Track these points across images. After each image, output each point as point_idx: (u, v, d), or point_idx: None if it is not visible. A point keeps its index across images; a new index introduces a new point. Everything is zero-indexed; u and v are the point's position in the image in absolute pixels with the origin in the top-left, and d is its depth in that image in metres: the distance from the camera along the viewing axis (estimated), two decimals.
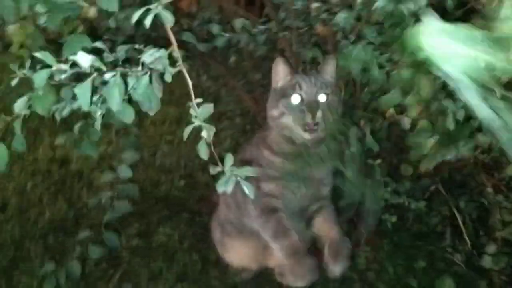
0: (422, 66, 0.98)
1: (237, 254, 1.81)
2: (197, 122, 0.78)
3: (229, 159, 0.79)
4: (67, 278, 1.50)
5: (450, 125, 1.07)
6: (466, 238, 1.86)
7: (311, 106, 1.38)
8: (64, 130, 3.60)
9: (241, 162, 1.61)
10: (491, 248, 1.65)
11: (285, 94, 1.42)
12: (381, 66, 1.20)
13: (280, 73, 1.46)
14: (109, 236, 1.34)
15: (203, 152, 0.83)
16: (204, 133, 0.78)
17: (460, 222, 1.85)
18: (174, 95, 4.52)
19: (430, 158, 1.09)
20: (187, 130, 0.80)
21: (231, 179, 0.77)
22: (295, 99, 1.40)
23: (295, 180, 1.52)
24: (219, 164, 0.80)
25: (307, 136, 1.41)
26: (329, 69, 1.47)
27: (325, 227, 1.59)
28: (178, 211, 2.32)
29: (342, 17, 1.28)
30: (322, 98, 1.41)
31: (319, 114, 1.38)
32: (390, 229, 1.87)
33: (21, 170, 2.64)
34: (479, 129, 1.14)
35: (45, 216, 2.23)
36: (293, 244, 1.48)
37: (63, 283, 1.49)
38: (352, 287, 1.78)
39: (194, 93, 0.81)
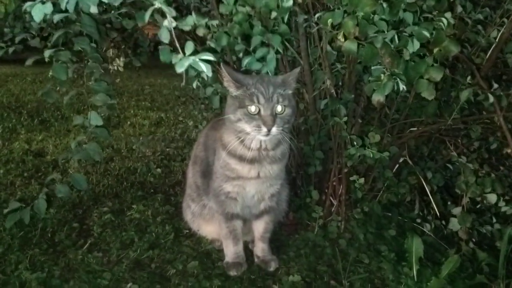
0: None
1: (208, 230, 1.85)
2: (157, 4, 0.83)
3: (190, 46, 0.84)
4: (32, 217, 1.45)
5: (407, 56, 1.15)
6: (435, 207, 1.92)
7: (267, 119, 1.42)
8: (40, 129, 3.61)
9: (204, 146, 1.76)
10: (457, 209, 1.70)
11: (242, 104, 1.44)
12: None
13: (231, 83, 1.44)
14: (76, 176, 1.32)
15: (164, 36, 0.88)
16: (167, 15, 0.82)
17: (428, 192, 1.91)
18: (156, 102, 4.64)
19: (382, 89, 1.15)
20: (148, 13, 0.84)
21: (187, 60, 0.82)
22: (253, 109, 1.43)
23: (248, 180, 1.59)
24: (180, 51, 0.84)
25: (262, 138, 1.47)
26: (292, 81, 1.49)
27: (260, 231, 1.74)
28: (153, 193, 2.32)
29: None
30: (279, 109, 1.45)
31: (275, 127, 1.43)
32: (360, 199, 1.91)
33: None
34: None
35: (16, 196, 2.20)
36: (237, 251, 1.70)
37: (27, 222, 1.45)
38: (324, 254, 1.79)
39: None
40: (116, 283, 1.56)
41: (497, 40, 1.57)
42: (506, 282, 1.61)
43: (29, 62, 1.35)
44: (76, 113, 3.68)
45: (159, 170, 2.62)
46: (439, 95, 1.74)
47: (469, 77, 1.43)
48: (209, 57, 0.84)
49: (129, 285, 1.54)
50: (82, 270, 1.62)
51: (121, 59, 2.42)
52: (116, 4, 0.93)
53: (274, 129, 1.42)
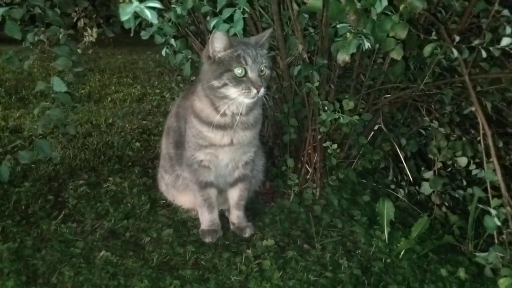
0: None
1: (182, 200, 1.86)
2: None
3: None
4: (6, 191, 1.43)
5: (374, 15, 1.14)
6: (408, 173, 1.94)
7: (256, 80, 1.42)
8: (18, 106, 3.54)
9: (176, 116, 1.73)
10: (428, 173, 1.72)
11: (228, 67, 1.41)
12: None
13: (220, 44, 1.41)
14: (40, 142, 1.30)
15: None
16: None
17: (402, 158, 1.93)
18: (139, 79, 4.57)
19: (347, 47, 1.14)
20: None
21: (130, 6, 0.79)
22: (239, 71, 1.41)
23: (221, 148, 1.58)
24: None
25: (247, 101, 1.46)
26: (266, 41, 1.49)
27: (235, 198, 1.74)
28: (130, 166, 2.30)
29: None
30: (263, 70, 1.45)
31: (263, 88, 1.43)
32: (336, 166, 1.92)
33: None
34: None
35: None
36: (212, 218, 1.70)
37: None
38: (298, 219, 1.81)
39: None
40: (89, 251, 1.56)
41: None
42: (474, 242, 1.65)
43: None
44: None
45: (138, 144, 2.59)
46: (412, 59, 1.74)
47: (433, 33, 1.42)
48: (155, 4, 0.82)
49: (102, 253, 1.54)
50: (55, 239, 1.61)
51: (94, 29, 2.36)
52: None
53: (262, 90, 1.43)
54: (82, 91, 3.86)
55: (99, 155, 2.42)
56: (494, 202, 1.13)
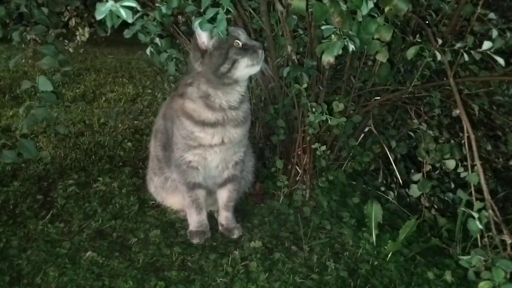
0: None
1: (171, 201, 1.85)
2: None
3: None
4: None
5: (360, 17, 1.14)
6: (398, 175, 1.93)
7: (253, 42, 1.49)
8: (11, 105, 3.53)
9: (164, 119, 1.72)
10: (417, 176, 1.72)
11: (228, 44, 1.44)
12: None
13: (207, 33, 1.43)
14: (24, 142, 1.29)
15: None
16: None
17: (392, 160, 1.92)
18: (134, 79, 4.56)
19: (331, 49, 1.14)
20: None
21: (104, 5, 0.79)
22: (242, 38, 1.48)
23: (212, 148, 1.59)
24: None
25: (256, 68, 1.50)
26: None
27: (224, 199, 1.74)
28: (121, 166, 2.30)
29: None
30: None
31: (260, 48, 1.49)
32: (326, 168, 1.92)
33: None
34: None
35: None
36: (200, 220, 1.70)
37: None
38: (287, 221, 1.80)
39: None
40: (75, 251, 1.56)
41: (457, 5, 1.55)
42: (462, 245, 1.65)
43: None
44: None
45: (129, 144, 2.59)
46: (402, 61, 1.74)
47: (417, 35, 1.42)
48: (131, 3, 0.81)
49: (88, 253, 1.54)
50: (41, 240, 1.61)
51: (86, 29, 2.35)
52: None
53: (261, 50, 1.49)
54: (77, 91, 3.85)
55: (90, 155, 2.42)
56: (477, 205, 1.13)
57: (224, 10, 1.14)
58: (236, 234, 1.70)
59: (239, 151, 1.68)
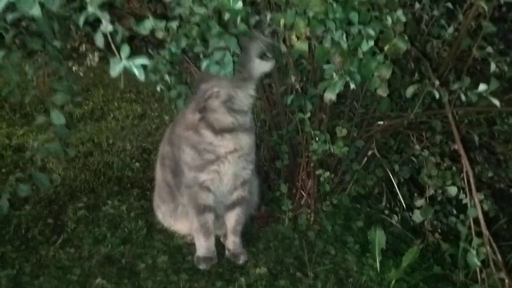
0: None
1: (180, 226, 1.89)
2: (90, 9, 0.84)
3: (125, 50, 0.86)
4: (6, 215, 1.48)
5: (360, 54, 1.18)
6: (401, 199, 1.96)
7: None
8: (22, 123, 3.60)
9: (169, 144, 1.77)
10: (420, 202, 1.74)
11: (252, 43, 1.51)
12: None
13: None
14: (38, 175, 1.35)
15: (99, 41, 0.90)
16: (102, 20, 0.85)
17: (395, 184, 1.95)
18: (142, 94, 4.63)
19: (333, 87, 1.18)
20: (82, 18, 0.86)
21: (119, 64, 0.84)
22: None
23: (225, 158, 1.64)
24: (117, 54, 0.87)
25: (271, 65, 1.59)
26: None
27: (232, 223, 1.77)
28: (129, 188, 2.34)
29: None
30: None
31: None
32: (330, 192, 1.95)
33: None
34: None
35: None
36: (208, 246, 1.74)
37: None
38: (292, 246, 1.84)
39: None
40: (86, 278, 1.60)
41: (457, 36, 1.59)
42: (465, 271, 1.67)
43: None
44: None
45: (137, 164, 2.64)
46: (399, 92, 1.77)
47: (416, 74, 1.46)
48: (144, 61, 0.86)
49: (97, 280, 1.58)
50: (52, 266, 1.66)
51: (95, 53, 2.42)
52: None
53: None
54: (85, 107, 3.93)
55: (99, 176, 2.47)
56: (475, 241, 1.15)
57: (231, 53, 1.18)
58: (242, 260, 1.73)
59: (247, 167, 1.71)
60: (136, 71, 0.85)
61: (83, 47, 2.41)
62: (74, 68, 2.07)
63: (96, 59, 2.46)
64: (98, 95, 4.39)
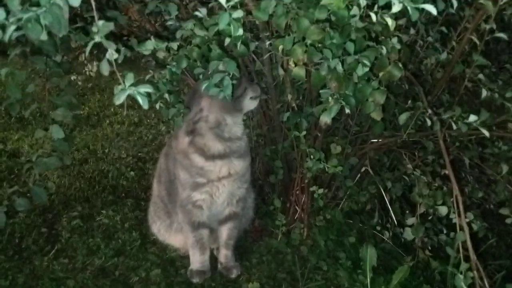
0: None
1: (174, 240, 1.91)
2: (97, 38, 0.87)
3: (130, 77, 0.88)
4: None
5: (355, 79, 1.21)
6: (393, 216, 1.99)
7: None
8: (17, 127, 3.59)
9: (165, 157, 1.80)
10: (411, 220, 1.77)
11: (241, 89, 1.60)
12: None
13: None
14: (36, 189, 1.36)
15: (105, 68, 0.92)
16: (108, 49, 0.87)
17: (387, 201, 1.98)
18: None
19: (329, 111, 1.21)
20: (88, 48, 0.89)
21: (124, 92, 0.86)
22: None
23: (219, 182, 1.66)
24: (122, 82, 0.89)
25: (256, 103, 1.69)
26: None
27: (224, 237, 1.79)
28: (124, 197, 2.35)
29: None
30: None
31: None
32: (323, 207, 1.98)
33: None
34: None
35: None
36: (203, 260, 1.76)
37: None
38: (285, 260, 1.86)
39: None
40: None
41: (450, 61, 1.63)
42: None
43: None
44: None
45: (132, 173, 2.64)
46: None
47: (409, 101, 1.50)
48: (148, 89, 0.88)
49: None
50: (46, 277, 1.67)
51: (94, 63, 2.44)
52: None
53: None
54: (81, 113, 3.92)
55: (93, 185, 2.47)
56: (463, 266, 1.19)
57: (230, 76, 1.21)
58: (234, 274, 1.75)
59: (242, 187, 1.74)
60: (140, 99, 0.87)
61: (82, 57, 2.42)
62: (72, 77, 2.09)
63: (95, 68, 2.48)
64: (94, 100, 4.38)
